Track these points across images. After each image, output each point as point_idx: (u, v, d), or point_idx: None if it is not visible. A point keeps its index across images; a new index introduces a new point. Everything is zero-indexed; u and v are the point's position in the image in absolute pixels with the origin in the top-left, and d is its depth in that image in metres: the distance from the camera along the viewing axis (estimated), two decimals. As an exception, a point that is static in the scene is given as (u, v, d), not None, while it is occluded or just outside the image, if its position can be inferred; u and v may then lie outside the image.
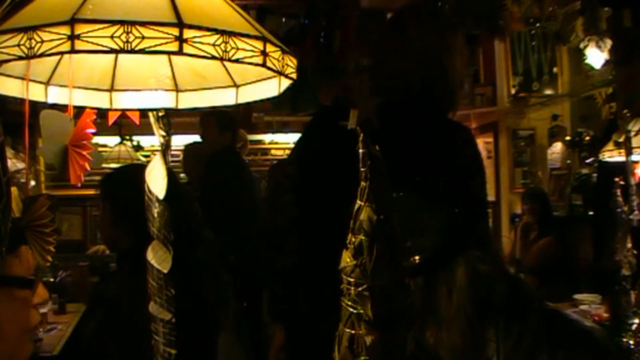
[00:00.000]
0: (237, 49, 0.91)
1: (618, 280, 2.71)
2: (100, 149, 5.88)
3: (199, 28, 0.88)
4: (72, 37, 0.83)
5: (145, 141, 7.17)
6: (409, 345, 0.83)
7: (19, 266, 1.12)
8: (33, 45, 0.84)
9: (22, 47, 0.85)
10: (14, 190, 1.10)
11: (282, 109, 6.21)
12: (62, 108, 1.17)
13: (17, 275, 1.12)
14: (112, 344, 2.08)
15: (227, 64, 1.14)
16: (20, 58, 0.86)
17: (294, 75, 1.03)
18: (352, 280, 0.82)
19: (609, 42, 4.80)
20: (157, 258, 1.19)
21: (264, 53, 0.94)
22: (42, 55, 0.84)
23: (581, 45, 5.07)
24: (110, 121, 1.27)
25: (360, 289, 0.81)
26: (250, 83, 1.16)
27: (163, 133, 1.19)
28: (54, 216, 1.14)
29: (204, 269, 2.47)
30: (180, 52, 0.86)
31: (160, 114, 1.18)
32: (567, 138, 6.00)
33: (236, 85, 1.17)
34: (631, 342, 2.70)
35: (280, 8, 5.24)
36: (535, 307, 1.38)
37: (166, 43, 0.85)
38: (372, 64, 2.02)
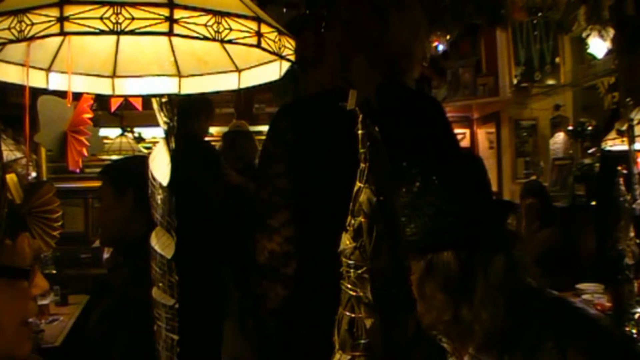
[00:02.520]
0: (231, 29, 0.90)
1: (621, 269, 2.70)
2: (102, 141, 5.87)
3: (190, 8, 0.86)
4: (62, 19, 0.82)
5: (147, 133, 7.18)
6: (409, 328, 0.83)
7: (14, 256, 1.12)
8: (23, 28, 0.84)
9: (13, 30, 0.84)
10: (13, 177, 1.10)
11: (283, 100, 6.19)
12: (63, 95, 1.17)
13: (12, 265, 1.12)
14: (119, 334, 2.08)
15: (228, 48, 1.14)
16: (11, 41, 0.85)
17: (292, 57, 1.03)
18: (351, 262, 0.81)
19: (611, 31, 4.78)
20: (161, 244, 1.19)
21: (258, 34, 0.93)
22: (32, 37, 0.84)
23: (583, 35, 5.06)
24: (113, 108, 1.26)
25: (359, 271, 0.81)
26: (252, 67, 1.15)
27: (166, 119, 1.19)
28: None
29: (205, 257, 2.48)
30: (170, 33, 0.85)
31: (163, 100, 1.18)
32: (570, 128, 5.98)
33: (238, 70, 1.17)
34: (634, 331, 2.70)
35: (282, -2, 5.23)
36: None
37: (156, 24, 0.84)
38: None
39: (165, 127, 1.18)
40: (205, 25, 0.88)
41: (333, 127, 1.67)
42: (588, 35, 4.96)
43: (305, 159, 1.92)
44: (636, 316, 2.71)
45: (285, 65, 1.08)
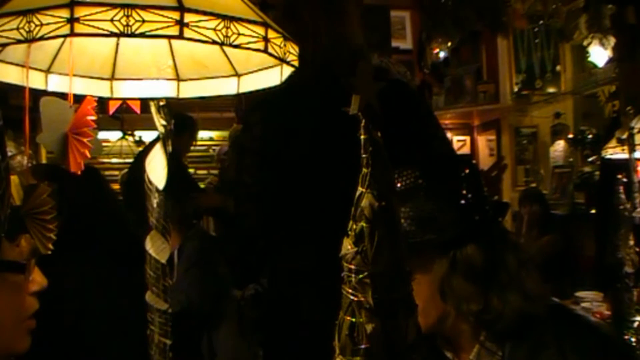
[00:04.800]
0: (239, 34, 0.90)
1: (620, 277, 2.70)
2: (102, 143, 5.86)
3: (200, 12, 0.86)
4: (72, 20, 0.82)
5: (147, 136, 7.18)
6: (410, 333, 0.83)
7: (11, 251, 1.11)
8: (32, 28, 0.83)
9: (21, 31, 0.84)
10: (14, 178, 1.09)
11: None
12: (63, 97, 1.16)
13: (8, 259, 1.11)
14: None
15: (228, 52, 1.13)
16: (19, 42, 0.85)
17: (295, 63, 1.03)
18: (352, 267, 0.81)
19: (612, 40, 4.79)
20: (155, 248, 1.19)
21: (265, 39, 0.93)
22: (41, 38, 0.83)
23: (584, 43, 5.06)
24: (111, 110, 1.26)
25: (360, 276, 0.81)
26: (252, 72, 1.15)
27: (164, 122, 1.19)
28: (56, 204, 1.13)
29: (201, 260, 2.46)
30: (180, 37, 0.85)
31: (161, 103, 1.18)
32: (570, 136, 5.98)
33: (238, 75, 1.16)
34: (633, 339, 2.69)
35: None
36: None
37: (166, 27, 0.84)
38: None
39: (163, 130, 1.18)
40: (215, 29, 0.88)
41: (300, 121, 1.95)
42: (589, 44, 4.96)
43: (275, 152, 2.04)
44: (635, 324, 2.70)
45: (287, 70, 1.08)
